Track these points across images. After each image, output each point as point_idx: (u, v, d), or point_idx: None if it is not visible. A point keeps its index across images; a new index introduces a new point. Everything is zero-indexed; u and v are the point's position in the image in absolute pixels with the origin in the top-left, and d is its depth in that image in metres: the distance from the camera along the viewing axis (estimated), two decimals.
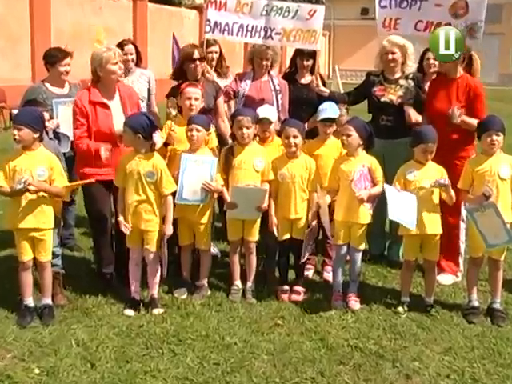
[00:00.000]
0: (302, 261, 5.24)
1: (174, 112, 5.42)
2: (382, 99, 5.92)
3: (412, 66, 5.95)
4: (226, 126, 5.72)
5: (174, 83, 5.81)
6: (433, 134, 4.96)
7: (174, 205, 5.00)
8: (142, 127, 4.71)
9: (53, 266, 4.94)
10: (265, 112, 5.43)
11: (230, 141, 5.46)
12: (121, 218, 4.90)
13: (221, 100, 5.87)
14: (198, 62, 5.69)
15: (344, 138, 5.05)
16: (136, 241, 4.96)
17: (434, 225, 5.03)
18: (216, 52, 6.30)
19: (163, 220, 4.94)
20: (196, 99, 5.28)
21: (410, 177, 4.99)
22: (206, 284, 5.34)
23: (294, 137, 5.09)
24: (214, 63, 6.29)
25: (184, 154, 5.02)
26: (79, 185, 5.03)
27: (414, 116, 5.71)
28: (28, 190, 4.50)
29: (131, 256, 5.02)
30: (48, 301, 4.88)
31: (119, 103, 5.11)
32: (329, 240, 5.60)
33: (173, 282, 5.35)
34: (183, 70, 5.77)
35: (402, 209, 4.81)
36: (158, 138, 5.02)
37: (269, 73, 6.16)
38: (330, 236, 5.26)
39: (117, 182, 4.96)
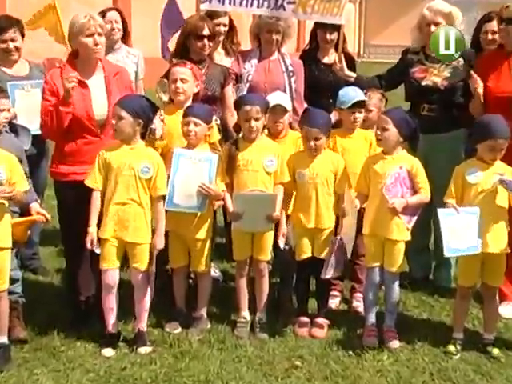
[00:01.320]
0: (322, 276, 5.12)
1: (164, 97, 5.38)
2: (424, 82, 5.84)
3: None
4: (234, 120, 5.65)
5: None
6: (505, 127, 4.84)
7: (166, 212, 4.98)
8: (143, 110, 4.73)
9: (10, 293, 4.83)
10: (278, 98, 5.37)
11: (234, 134, 5.51)
12: (93, 229, 4.78)
13: (230, 88, 5.82)
14: (206, 41, 5.68)
15: (378, 132, 4.99)
16: (117, 258, 4.88)
17: (499, 241, 4.89)
18: (225, 25, 6.19)
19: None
20: (183, 81, 5.24)
21: (472, 179, 4.90)
22: (206, 315, 5.29)
23: (316, 139, 5.09)
24: (222, 38, 6.21)
25: (176, 150, 5.00)
26: (29, 222, 4.88)
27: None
28: None
29: (107, 279, 4.91)
30: (3, 339, 4.75)
31: (102, 83, 5.06)
32: (358, 260, 5.53)
33: (163, 314, 5.30)
34: (186, 46, 5.72)
35: (462, 236, 4.78)
36: (159, 123, 5.02)
37: (279, 50, 6.04)
38: (348, 255, 5.17)
39: (91, 181, 4.83)
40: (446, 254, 4.81)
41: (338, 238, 5.08)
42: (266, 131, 5.28)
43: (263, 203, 5.08)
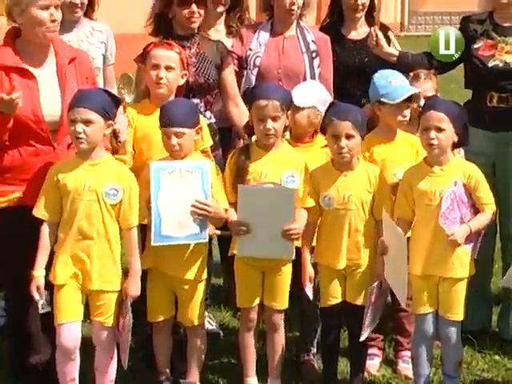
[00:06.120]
0: (362, 338, 4.61)
1: (128, 97, 4.91)
2: (491, 63, 5.30)
3: None
4: (240, 113, 5.13)
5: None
6: None
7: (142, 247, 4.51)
8: (110, 107, 4.31)
9: None
10: (308, 95, 4.86)
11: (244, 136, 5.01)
12: (39, 273, 4.22)
13: (230, 71, 5.27)
14: (194, 6, 5.06)
15: (432, 134, 4.39)
16: (78, 309, 4.31)
17: None
18: None
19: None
20: (168, 69, 4.70)
21: None
22: (199, 383, 4.72)
23: (348, 136, 4.51)
24: (222, 10, 5.51)
25: (152, 164, 4.53)
26: None
27: None
28: None
29: (64, 338, 4.29)
30: None
31: (54, 74, 4.57)
32: (403, 306, 4.93)
33: (142, 380, 4.79)
34: (167, 17, 5.18)
35: None
36: (123, 119, 4.58)
37: (298, 23, 5.49)
38: (403, 305, 4.76)
39: (39, 211, 4.32)
40: None
41: (376, 284, 4.61)
42: (287, 135, 4.79)
43: (277, 203, 4.58)
